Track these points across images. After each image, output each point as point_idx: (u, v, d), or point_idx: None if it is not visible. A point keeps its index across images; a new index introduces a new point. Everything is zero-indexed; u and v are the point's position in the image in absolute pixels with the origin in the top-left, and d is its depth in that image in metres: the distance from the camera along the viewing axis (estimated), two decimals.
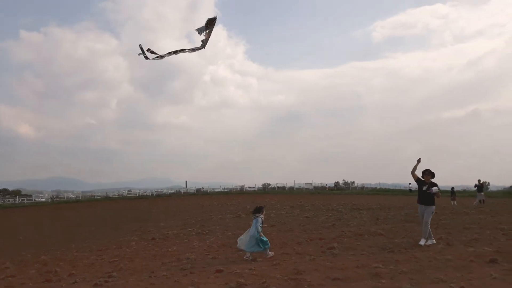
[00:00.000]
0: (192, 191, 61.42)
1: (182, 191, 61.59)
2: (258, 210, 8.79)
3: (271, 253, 8.50)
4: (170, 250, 9.48)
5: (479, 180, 27.97)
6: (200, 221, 15.84)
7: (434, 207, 9.79)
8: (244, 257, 8.37)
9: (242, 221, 15.68)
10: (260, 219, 8.60)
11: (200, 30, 7.34)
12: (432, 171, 9.89)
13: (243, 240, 8.51)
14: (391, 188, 63.40)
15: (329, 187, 62.39)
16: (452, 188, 29.88)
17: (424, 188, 9.72)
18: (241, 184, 67.42)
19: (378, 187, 62.82)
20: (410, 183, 37.66)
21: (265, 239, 8.51)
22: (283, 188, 62.84)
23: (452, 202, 26.56)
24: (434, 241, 9.50)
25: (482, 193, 27.17)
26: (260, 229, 8.41)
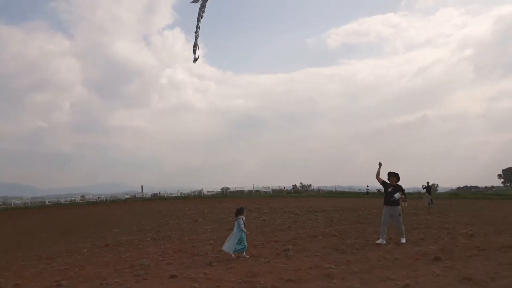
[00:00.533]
0: (149, 196, 60.06)
1: (138, 196, 60.10)
2: (239, 212, 8.96)
3: (247, 256, 8.70)
4: (123, 256, 9.26)
5: (427, 182, 29.39)
6: (156, 227, 15.57)
7: (399, 207, 10.48)
8: (246, 256, 8.64)
9: (199, 225, 15.58)
10: (241, 220, 8.79)
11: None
12: (396, 172, 10.54)
13: (228, 244, 8.63)
14: (346, 190, 65.20)
15: (287, 190, 63.19)
16: (402, 190, 31.17)
17: (389, 190, 10.27)
18: (199, 188, 66.90)
19: (333, 189, 64.37)
20: (368, 186, 38.24)
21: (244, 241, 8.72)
22: (242, 191, 62.96)
23: (402, 203, 27.67)
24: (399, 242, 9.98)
25: (430, 195, 28.52)
26: (243, 228, 8.67)
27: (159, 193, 62.60)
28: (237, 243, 8.57)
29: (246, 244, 8.76)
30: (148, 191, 66.65)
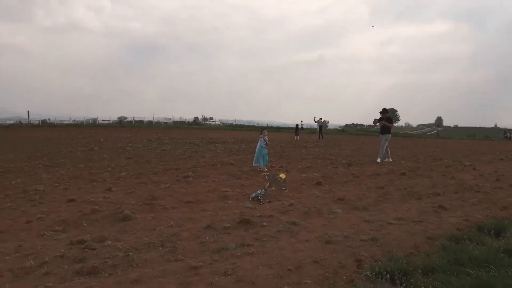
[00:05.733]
0: (36, 122, 55.25)
1: (24, 122, 54.85)
2: (260, 132, 11.54)
3: (266, 169, 10.73)
4: (13, 182, 8.81)
5: (320, 119, 31.89)
6: (48, 154, 14.75)
7: (389, 135, 13.96)
8: (261, 172, 10.40)
9: (96, 154, 15.16)
10: (262, 139, 11.15)
11: None
12: (385, 108, 14.56)
13: (258, 159, 10.97)
14: (246, 124, 67.38)
15: (188, 122, 63.09)
16: (296, 125, 33.41)
17: (378, 124, 14.08)
18: (93, 117, 63.27)
19: (234, 123, 66.06)
20: (302, 121, 40.27)
21: (265, 153, 11.08)
22: (141, 122, 61.24)
23: (295, 137, 29.84)
24: (391, 160, 13.94)
25: (321, 131, 31.12)
26: (263, 145, 11.01)
27: (49, 120, 57.89)
28: (260, 158, 10.93)
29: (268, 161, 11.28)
30: (35, 118, 61.11)
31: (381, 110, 14.47)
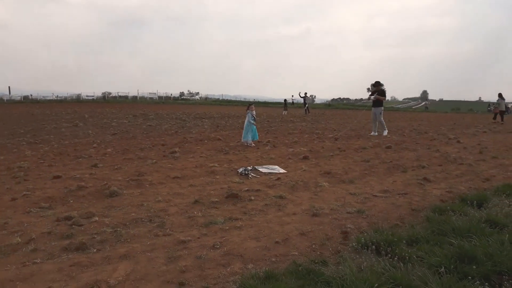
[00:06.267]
0: (18, 98, 54.04)
1: (5, 98, 53.55)
2: (247, 107, 11.42)
3: (253, 145, 10.82)
4: None
5: (305, 93, 31.80)
6: (31, 131, 14.48)
7: (382, 108, 14.04)
8: (249, 145, 10.81)
9: (81, 130, 14.95)
10: (250, 114, 11.03)
11: None
12: (378, 81, 14.66)
13: (247, 135, 10.94)
14: (232, 99, 66.93)
15: (174, 97, 62.41)
16: (285, 100, 33.37)
17: (372, 97, 14.14)
18: (77, 92, 62.12)
19: (221, 98, 65.56)
20: (292, 96, 39.19)
21: (254, 130, 11.09)
22: (126, 97, 60.39)
23: (283, 112, 29.83)
24: (387, 131, 14.10)
25: (307, 104, 31.13)
26: (251, 120, 10.99)
27: (31, 95, 56.63)
28: (248, 133, 10.90)
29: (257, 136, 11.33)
30: (17, 93, 59.71)
31: (373, 83, 14.69)
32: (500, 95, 24.21)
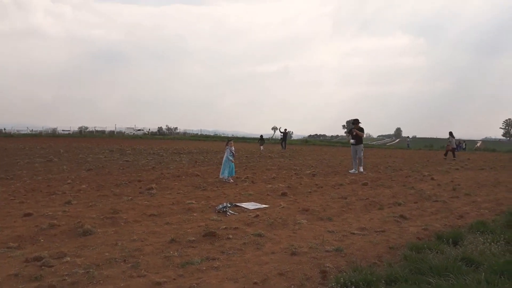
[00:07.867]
0: None
1: None
2: (227, 143, 11.40)
3: (232, 181, 10.84)
4: None
5: (285, 129, 32.25)
6: (3, 166, 14.04)
7: (362, 145, 14.27)
8: (227, 181, 10.82)
9: (55, 165, 14.59)
10: (229, 150, 11.03)
11: None
12: (357, 119, 14.77)
13: (225, 171, 10.86)
14: (211, 134, 67.06)
15: (152, 132, 62.07)
16: (261, 136, 33.61)
17: (353, 134, 14.24)
18: (53, 126, 61.08)
19: (199, 133, 65.57)
20: (280, 127, 38.53)
21: (232, 166, 11.01)
22: (103, 132, 59.69)
23: (260, 147, 29.98)
24: (362, 169, 14.13)
25: (285, 141, 31.49)
26: (230, 156, 10.92)
27: (4, 129, 55.26)
28: (226, 168, 10.84)
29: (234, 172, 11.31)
30: None
31: (352, 121, 15.10)
32: (450, 133, 25.93)
